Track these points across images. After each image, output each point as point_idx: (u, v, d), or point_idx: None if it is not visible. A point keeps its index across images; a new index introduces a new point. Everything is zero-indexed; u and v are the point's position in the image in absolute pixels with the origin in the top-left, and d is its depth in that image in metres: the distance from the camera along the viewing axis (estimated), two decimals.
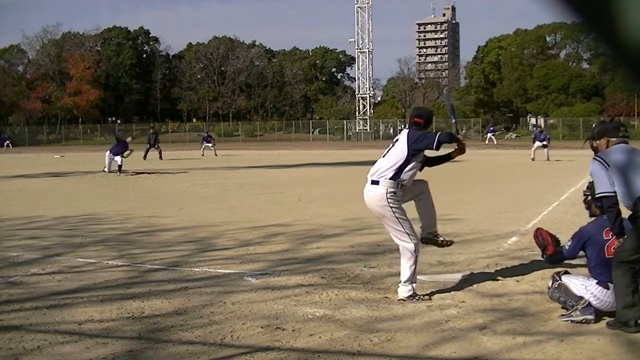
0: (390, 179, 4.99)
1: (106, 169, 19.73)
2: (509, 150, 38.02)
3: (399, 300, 4.96)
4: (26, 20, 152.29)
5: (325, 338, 4.09)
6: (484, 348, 3.89)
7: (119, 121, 72.23)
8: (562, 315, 4.48)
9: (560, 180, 15.17)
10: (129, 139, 20.49)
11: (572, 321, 4.38)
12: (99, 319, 4.55)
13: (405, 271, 5.01)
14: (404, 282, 5.01)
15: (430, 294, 5.11)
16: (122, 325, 4.38)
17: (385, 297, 5.08)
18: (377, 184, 5.02)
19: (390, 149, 5.17)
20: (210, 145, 34.04)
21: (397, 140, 5.20)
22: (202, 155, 32.77)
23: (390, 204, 4.98)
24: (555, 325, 4.34)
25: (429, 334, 4.16)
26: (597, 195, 4.43)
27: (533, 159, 24.88)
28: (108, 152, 19.95)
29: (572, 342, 3.96)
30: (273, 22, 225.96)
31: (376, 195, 5.01)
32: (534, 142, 27.14)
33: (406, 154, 5.00)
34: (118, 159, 19.51)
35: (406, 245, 5.03)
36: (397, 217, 4.99)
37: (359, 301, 4.93)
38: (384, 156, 5.16)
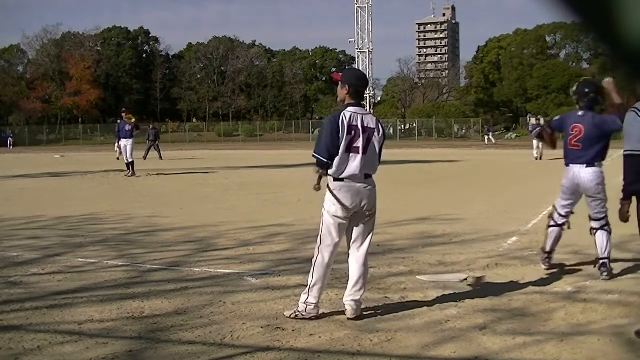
0: None
1: (129, 158, 18.88)
2: (508, 150, 38.05)
3: (349, 318, 4.52)
4: (26, 20, 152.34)
5: (325, 338, 4.09)
6: (484, 348, 3.89)
7: (119, 121, 72.25)
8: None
9: (560, 180, 15.11)
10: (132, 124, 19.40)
11: None
12: (99, 319, 4.54)
13: (366, 282, 4.64)
14: (361, 298, 4.57)
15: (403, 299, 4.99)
16: (122, 325, 4.38)
17: (385, 297, 5.08)
18: (371, 176, 4.61)
19: (364, 140, 4.50)
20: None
21: (370, 130, 4.55)
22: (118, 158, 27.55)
23: None
24: (555, 325, 4.34)
25: (429, 334, 4.16)
26: None
27: (541, 158, 24.73)
28: (120, 142, 18.81)
29: (572, 342, 3.96)
30: (273, 22, 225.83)
31: (375, 189, 4.63)
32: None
33: (381, 147, 4.65)
34: (129, 149, 18.76)
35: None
36: None
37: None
38: (364, 151, 4.48)
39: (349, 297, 4.50)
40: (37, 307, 4.84)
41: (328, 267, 4.56)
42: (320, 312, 4.54)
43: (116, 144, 29.43)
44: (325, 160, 4.45)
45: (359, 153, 4.46)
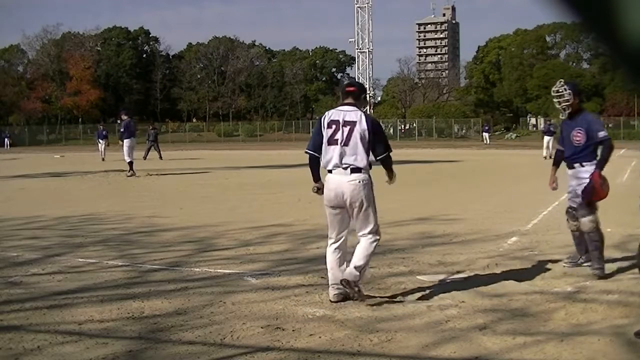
0: (367, 164, 4.89)
1: (127, 158, 18.71)
2: (508, 150, 38.03)
3: (342, 280, 4.82)
4: (26, 20, 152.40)
5: (325, 338, 4.09)
6: (484, 348, 3.89)
7: (118, 121, 72.24)
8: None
9: (560, 180, 15.11)
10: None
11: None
12: (99, 319, 4.54)
13: (364, 259, 4.87)
14: (357, 267, 4.84)
15: (367, 296, 4.99)
16: (122, 325, 4.38)
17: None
18: (360, 171, 4.83)
19: (345, 133, 4.83)
20: (103, 143, 28.82)
21: (352, 123, 4.85)
22: (103, 159, 27.53)
23: (372, 190, 4.93)
24: (555, 325, 4.34)
25: (429, 334, 4.16)
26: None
27: (550, 157, 24.52)
28: (125, 142, 18.59)
29: (572, 342, 3.96)
30: (273, 22, 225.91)
31: (362, 184, 4.81)
32: (543, 138, 27.21)
33: (368, 139, 4.86)
34: (126, 153, 18.62)
35: (378, 232, 4.99)
36: (374, 202, 4.93)
37: (359, 301, 4.93)
38: (345, 142, 4.81)
39: (351, 262, 4.91)
40: (37, 307, 4.83)
41: (333, 254, 4.97)
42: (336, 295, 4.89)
43: (100, 145, 29.76)
44: (311, 152, 5.04)
45: (337, 144, 4.85)
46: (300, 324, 4.37)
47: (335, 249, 4.98)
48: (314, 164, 5.05)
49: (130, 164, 18.85)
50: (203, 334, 4.19)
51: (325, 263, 5.09)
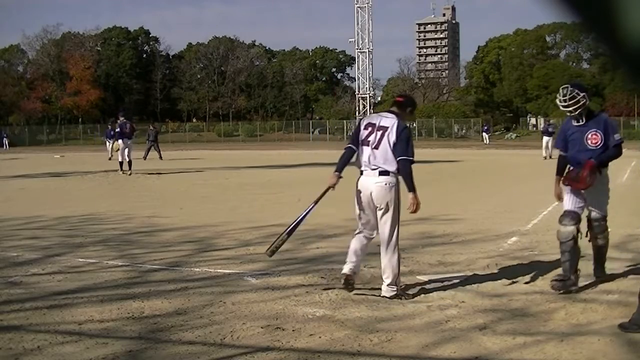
0: (396, 169, 5.06)
1: (126, 158, 18.90)
2: (508, 150, 38.04)
3: (382, 296, 5.05)
4: (26, 20, 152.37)
5: (325, 338, 4.09)
6: (484, 348, 3.89)
7: (118, 121, 72.09)
8: None
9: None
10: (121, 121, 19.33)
11: None
12: (99, 319, 4.54)
13: (392, 274, 5.07)
14: (390, 284, 5.06)
15: (413, 294, 5.17)
16: (122, 325, 4.38)
17: (385, 297, 5.08)
18: (388, 174, 5.03)
19: (378, 136, 5.05)
20: (111, 143, 27.16)
21: (384, 128, 5.06)
22: (111, 158, 26.46)
23: (399, 196, 5.10)
24: (555, 325, 4.34)
25: (429, 334, 4.16)
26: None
27: (550, 157, 24.20)
28: (120, 141, 18.85)
29: (572, 342, 3.96)
30: (273, 22, 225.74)
31: (388, 186, 5.02)
32: (542, 138, 27.15)
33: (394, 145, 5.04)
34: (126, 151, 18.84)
35: (397, 241, 5.14)
36: (399, 210, 5.12)
37: (359, 301, 4.94)
38: (376, 146, 5.02)
39: (383, 280, 5.11)
40: (37, 307, 4.84)
41: (360, 240, 5.16)
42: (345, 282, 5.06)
43: (108, 145, 29.76)
44: (349, 144, 5.25)
45: (368, 146, 5.07)
46: (300, 324, 4.37)
47: (364, 237, 5.19)
48: (345, 155, 5.20)
49: (120, 163, 19.25)
50: (203, 334, 4.20)
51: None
